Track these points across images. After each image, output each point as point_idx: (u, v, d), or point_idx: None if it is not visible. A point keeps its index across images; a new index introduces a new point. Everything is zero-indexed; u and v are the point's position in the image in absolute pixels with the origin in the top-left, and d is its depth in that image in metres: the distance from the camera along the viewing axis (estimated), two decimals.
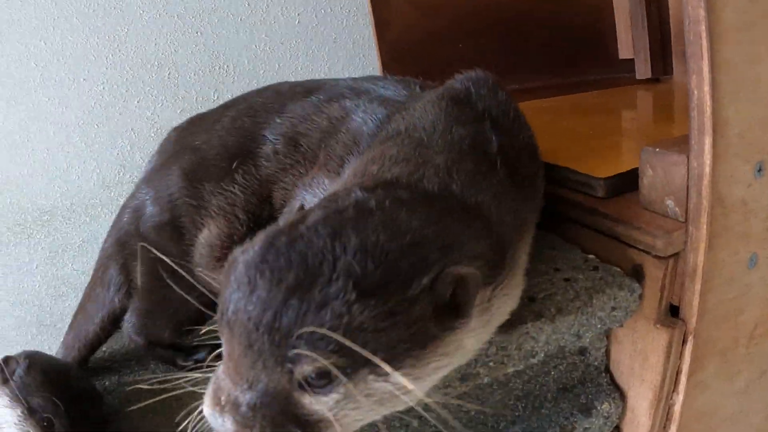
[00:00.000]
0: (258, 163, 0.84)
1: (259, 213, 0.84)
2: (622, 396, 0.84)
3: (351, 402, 0.48)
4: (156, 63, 1.36)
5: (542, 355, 0.71)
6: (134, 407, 0.67)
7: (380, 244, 0.48)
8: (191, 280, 0.63)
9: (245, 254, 0.50)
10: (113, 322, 0.88)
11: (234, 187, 0.84)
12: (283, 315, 0.45)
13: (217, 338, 0.51)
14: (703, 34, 0.66)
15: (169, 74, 1.37)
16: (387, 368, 0.46)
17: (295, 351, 0.45)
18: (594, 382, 0.84)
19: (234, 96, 0.99)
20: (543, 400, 0.81)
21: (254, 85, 1.01)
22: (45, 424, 0.66)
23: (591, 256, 0.82)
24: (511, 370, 0.70)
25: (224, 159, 0.85)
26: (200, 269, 0.83)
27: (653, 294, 0.77)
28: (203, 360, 0.78)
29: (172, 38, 1.36)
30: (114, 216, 0.92)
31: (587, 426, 0.80)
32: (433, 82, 0.88)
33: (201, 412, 0.51)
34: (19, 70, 1.26)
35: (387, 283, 0.47)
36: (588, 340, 0.76)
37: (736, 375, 0.85)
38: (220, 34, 1.40)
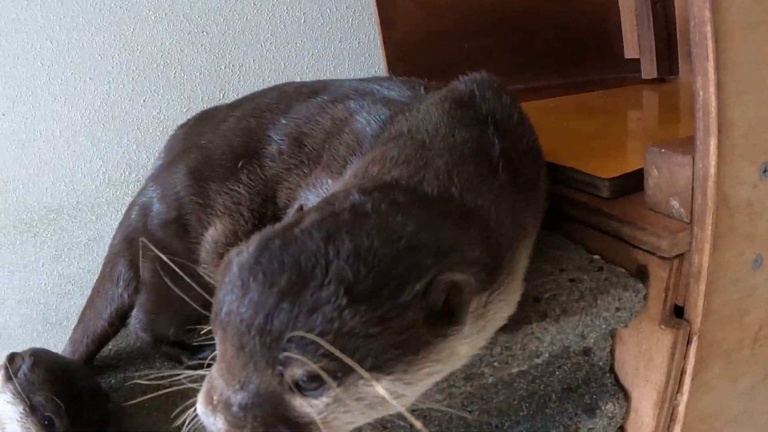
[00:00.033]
0: (263, 163, 0.85)
1: (264, 212, 0.85)
2: (627, 396, 0.84)
3: (341, 406, 0.48)
4: (162, 62, 1.36)
5: (547, 355, 0.71)
6: (132, 402, 0.67)
7: (374, 248, 0.48)
8: (189, 281, 0.62)
9: (239, 256, 0.50)
10: (121, 318, 0.89)
11: (239, 187, 0.84)
12: (275, 318, 0.45)
13: None
14: (709, 35, 0.66)
15: (175, 73, 1.38)
16: (365, 375, 0.46)
17: (286, 354, 0.45)
18: (598, 383, 0.84)
19: (240, 95, 1.00)
20: (547, 401, 0.81)
21: (260, 85, 1.01)
22: (46, 422, 0.66)
23: (596, 257, 0.82)
24: (515, 370, 0.70)
25: (230, 159, 0.85)
26: (205, 266, 0.83)
27: (658, 295, 0.76)
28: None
29: (178, 37, 1.37)
30: (120, 214, 0.93)
31: (591, 426, 0.80)
32: (439, 82, 0.88)
33: (196, 410, 0.51)
34: (25, 69, 1.26)
35: (379, 288, 0.47)
36: (592, 340, 0.75)
37: (741, 376, 0.85)
38: (226, 34, 1.41)
